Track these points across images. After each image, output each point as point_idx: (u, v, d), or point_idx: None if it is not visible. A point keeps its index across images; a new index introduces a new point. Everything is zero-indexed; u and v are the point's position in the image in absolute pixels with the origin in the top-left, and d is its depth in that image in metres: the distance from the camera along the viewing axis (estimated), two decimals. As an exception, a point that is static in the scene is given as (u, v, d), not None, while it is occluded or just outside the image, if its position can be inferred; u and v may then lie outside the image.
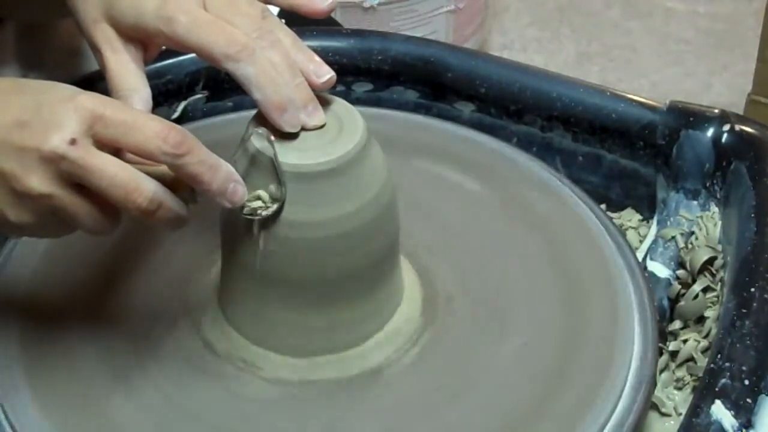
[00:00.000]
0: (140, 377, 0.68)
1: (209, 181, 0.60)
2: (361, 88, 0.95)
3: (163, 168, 0.61)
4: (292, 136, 0.64)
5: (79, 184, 0.59)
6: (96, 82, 0.84)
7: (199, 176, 0.60)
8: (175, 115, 0.92)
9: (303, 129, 0.65)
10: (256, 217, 0.63)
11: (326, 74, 0.66)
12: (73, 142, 0.58)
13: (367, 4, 1.94)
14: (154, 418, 0.66)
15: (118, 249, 0.76)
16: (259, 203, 0.63)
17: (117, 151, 0.60)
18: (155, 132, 0.59)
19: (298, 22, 0.71)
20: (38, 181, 0.59)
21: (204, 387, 0.67)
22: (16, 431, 0.64)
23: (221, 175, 0.61)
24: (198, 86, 0.92)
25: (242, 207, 0.63)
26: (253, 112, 0.66)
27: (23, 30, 0.91)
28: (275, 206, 0.63)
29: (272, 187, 0.63)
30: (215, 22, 0.64)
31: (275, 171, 0.63)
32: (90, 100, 0.59)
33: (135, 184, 0.59)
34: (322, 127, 0.65)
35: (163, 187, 0.60)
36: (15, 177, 0.59)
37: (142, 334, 0.70)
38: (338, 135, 0.65)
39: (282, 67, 0.64)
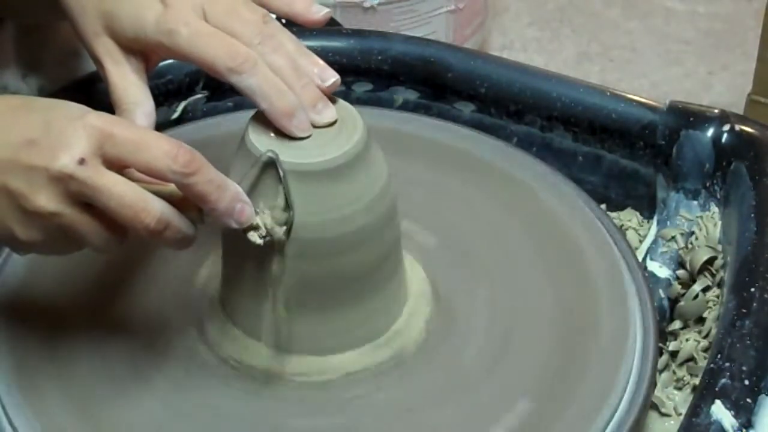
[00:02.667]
0: (141, 380, 0.67)
1: (216, 200, 0.60)
2: (361, 88, 0.95)
3: (171, 188, 0.61)
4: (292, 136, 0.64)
5: (87, 202, 0.59)
6: (96, 82, 0.84)
7: (207, 195, 0.60)
8: (175, 115, 0.92)
9: (316, 127, 0.65)
10: (264, 241, 0.63)
11: (331, 78, 0.66)
12: (81, 161, 0.58)
13: (367, 4, 1.94)
14: (155, 420, 0.65)
15: (119, 252, 0.76)
16: (266, 232, 0.63)
17: (124, 169, 0.60)
18: (164, 151, 0.59)
19: (297, 23, 0.71)
20: (46, 200, 0.59)
21: (206, 389, 0.67)
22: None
23: (229, 194, 0.60)
24: (198, 86, 0.92)
25: (248, 230, 0.62)
26: (253, 111, 0.66)
27: (23, 30, 0.91)
28: (283, 230, 0.63)
29: (279, 211, 0.63)
30: (216, 34, 0.64)
31: (284, 195, 0.63)
32: (99, 119, 0.59)
33: (143, 204, 0.59)
34: (334, 123, 0.65)
35: (171, 207, 0.60)
36: (23, 196, 0.59)
37: (143, 336, 0.70)
38: (338, 135, 0.65)
39: (286, 70, 0.64)
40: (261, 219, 0.63)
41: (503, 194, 0.82)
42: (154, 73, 0.81)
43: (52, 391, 0.67)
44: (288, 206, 0.63)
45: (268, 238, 0.63)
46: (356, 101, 0.77)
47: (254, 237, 0.63)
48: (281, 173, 0.63)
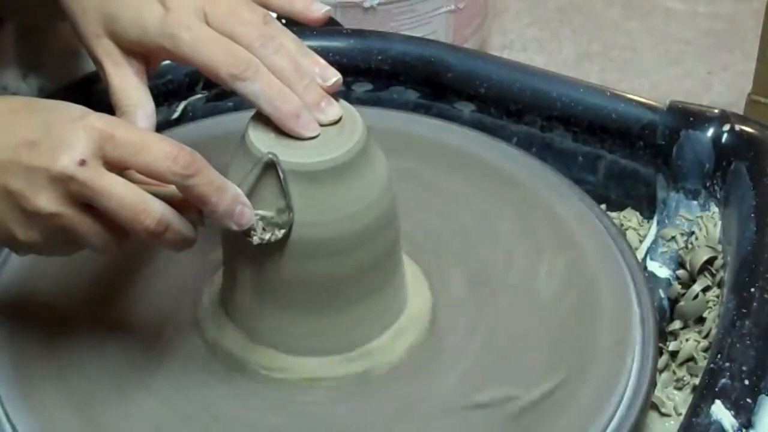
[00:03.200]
0: (141, 380, 0.68)
1: (216, 202, 0.60)
2: (361, 88, 0.95)
3: (171, 189, 0.61)
4: (293, 136, 0.64)
5: (87, 203, 0.59)
6: (96, 82, 0.84)
7: (207, 197, 0.60)
8: (175, 115, 0.92)
9: (322, 125, 0.65)
10: (263, 242, 0.63)
11: (332, 77, 0.66)
12: (82, 162, 0.58)
13: (367, 4, 1.94)
14: (156, 421, 0.65)
15: (118, 252, 0.76)
16: (266, 233, 0.63)
17: (124, 171, 0.60)
18: (165, 152, 0.59)
19: (298, 23, 0.71)
20: (47, 201, 0.59)
21: (206, 389, 0.67)
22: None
23: (229, 196, 0.61)
24: (198, 86, 0.92)
25: (247, 232, 0.62)
26: (253, 111, 0.66)
27: (23, 30, 0.91)
28: (282, 233, 0.63)
29: (279, 212, 0.63)
30: (218, 40, 0.64)
31: (283, 196, 0.63)
32: (100, 120, 0.59)
33: (143, 206, 0.59)
34: (339, 120, 0.65)
35: (171, 208, 0.60)
36: (24, 196, 0.59)
37: (143, 337, 0.70)
38: (338, 135, 0.65)
39: (288, 71, 0.65)
40: (260, 221, 0.63)
41: (502, 195, 0.82)
42: (153, 73, 0.81)
43: (52, 390, 0.67)
44: (288, 208, 0.63)
45: (266, 240, 0.63)
46: (356, 101, 0.77)
47: (253, 239, 0.63)
48: (281, 175, 0.63)
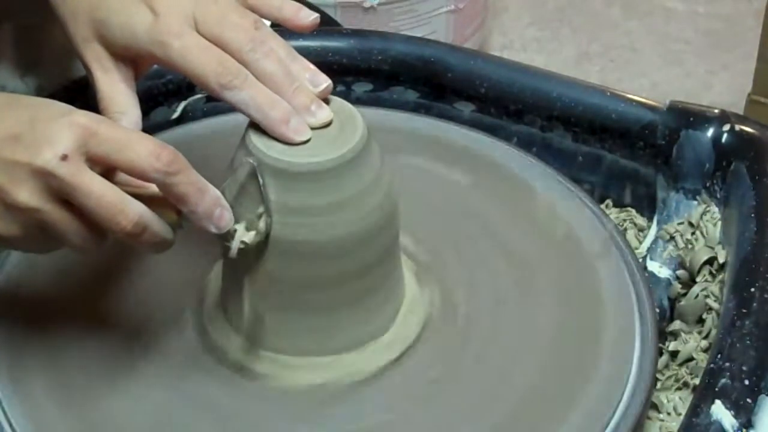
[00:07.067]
0: (140, 377, 0.68)
1: (197, 202, 0.60)
2: (361, 88, 0.95)
3: (152, 190, 0.61)
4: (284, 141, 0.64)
5: (69, 201, 0.59)
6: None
7: (187, 197, 0.60)
8: (175, 115, 0.92)
9: (312, 128, 0.65)
10: (240, 247, 0.63)
11: (323, 82, 0.66)
12: (64, 158, 0.58)
13: (367, 4, 1.94)
14: (153, 417, 0.66)
15: (116, 249, 0.76)
16: (243, 238, 0.63)
17: (108, 172, 0.60)
18: (148, 150, 0.59)
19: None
20: (27, 195, 0.59)
21: (203, 387, 0.67)
22: (15, 431, 0.65)
23: (209, 198, 0.61)
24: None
25: (225, 236, 0.62)
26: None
27: (21, 29, 0.91)
28: (259, 238, 0.63)
29: (258, 219, 0.63)
30: (208, 48, 0.64)
31: (262, 202, 0.63)
32: (84, 117, 0.60)
33: (121, 206, 0.59)
34: (330, 123, 0.65)
35: (150, 210, 0.61)
36: (5, 190, 0.59)
37: (142, 334, 0.70)
38: (338, 135, 0.65)
39: (278, 76, 0.64)
40: (240, 226, 0.63)
41: (502, 195, 0.82)
42: (154, 73, 0.81)
43: (53, 385, 0.67)
44: (266, 214, 0.63)
45: (243, 245, 0.63)
46: (356, 101, 0.77)
47: (231, 243, 0.63)
48: (260, 180, 0.63)
